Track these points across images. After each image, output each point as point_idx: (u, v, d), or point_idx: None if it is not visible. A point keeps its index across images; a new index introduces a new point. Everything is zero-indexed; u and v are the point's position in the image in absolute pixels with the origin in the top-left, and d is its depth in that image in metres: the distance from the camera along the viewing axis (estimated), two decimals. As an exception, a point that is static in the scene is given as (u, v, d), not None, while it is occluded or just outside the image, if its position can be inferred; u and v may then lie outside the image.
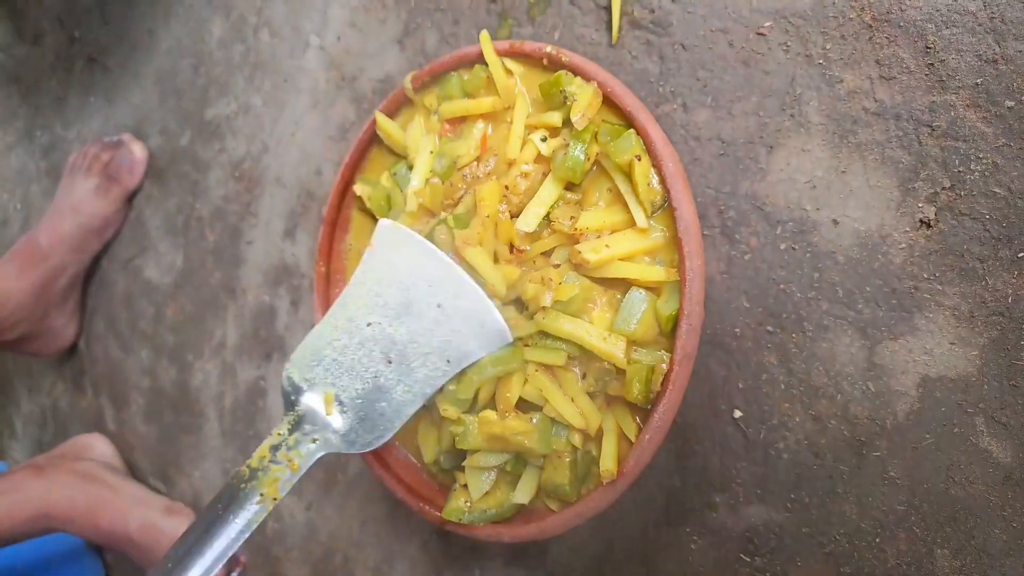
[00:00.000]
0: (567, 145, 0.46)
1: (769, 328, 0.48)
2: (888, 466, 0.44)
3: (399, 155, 0.56)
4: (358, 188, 0.57)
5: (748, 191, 0.49)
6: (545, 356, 0.45)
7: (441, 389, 0.47)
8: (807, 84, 0.47)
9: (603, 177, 0.47)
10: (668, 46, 0.52)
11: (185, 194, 0.83)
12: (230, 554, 0.41)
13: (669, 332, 0.44)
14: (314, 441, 0.44)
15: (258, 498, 0.42)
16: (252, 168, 0.77)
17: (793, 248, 0.47)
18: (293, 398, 0.45)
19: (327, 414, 0.44)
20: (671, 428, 0.50)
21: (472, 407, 0.48)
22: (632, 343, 0.44)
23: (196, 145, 0.82)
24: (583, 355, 0.45)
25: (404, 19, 0.66)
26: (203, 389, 0.80)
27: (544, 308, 0.44)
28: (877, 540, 0.44)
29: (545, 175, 0.47)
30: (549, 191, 0.46)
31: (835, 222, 0.46)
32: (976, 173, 0.42)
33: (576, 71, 0.48)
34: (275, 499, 0.42)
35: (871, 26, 0.45)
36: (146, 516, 0.77)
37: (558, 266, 0.46)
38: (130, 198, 0.88)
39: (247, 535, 0.42)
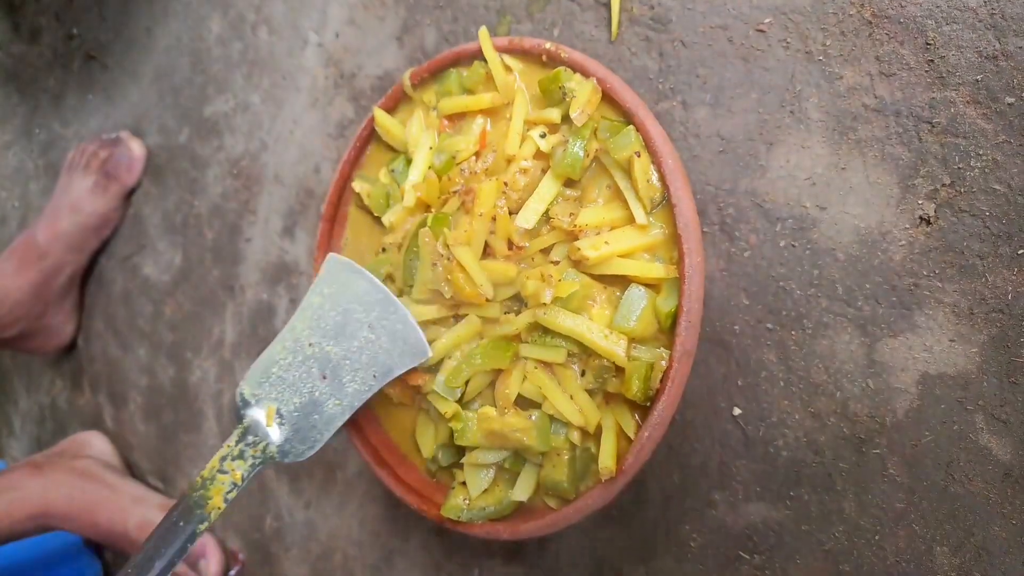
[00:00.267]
0: (566, 141, 0.46)
1: (769, 325, 0.47)
2: (888, 463, 0.44)
3: (398, 151, 0.55)
4: (357, 185, 0.57)
5: (748, 188, 0.48)
6: (544, 353, 0.45)
7: (433, 374, 0.47)
8: (807, 81, 0.47)
9: (602, 174, 0.47)
10: (667, 43, 0.52)
11: (183, 192, 0.83)
12: (178, 561, 0.45)
13: (668, 329, 0.44)
14: (254, 453, 0.47)
15: (205, 507, 0.46)
16: (251, 166, 0.76)
17: (793, 245, 0.47)
18: (241, 412, 0.49)
19: (267, 426, 0.48)
20: (670, 425, 0.50)
21: (464, 400, 0.48)
22: (631, 340, 0.44)
23: (194, 143, 0.82)
24: (582, 352, 0.45)
25: (403, 16, 0.66)
26: (201, 387, 0.80)
27: (544, 304, 0.44)
28: (876, 537, 0.44)
29: (544, 171, 0.47)
30: (548, 188, 0.46)
31: (835, 219, 0.45)
32: (976, 170, 0.41)
33: (575, 67, 0.48)
34: (219, 508, 0.46)
35: (871, 22, 0.44)
36: (144, 514, 0.76)
37: (557, 263, 0.46)
38: (128, 196, 0.88)
39: (192, 544, 0.45)
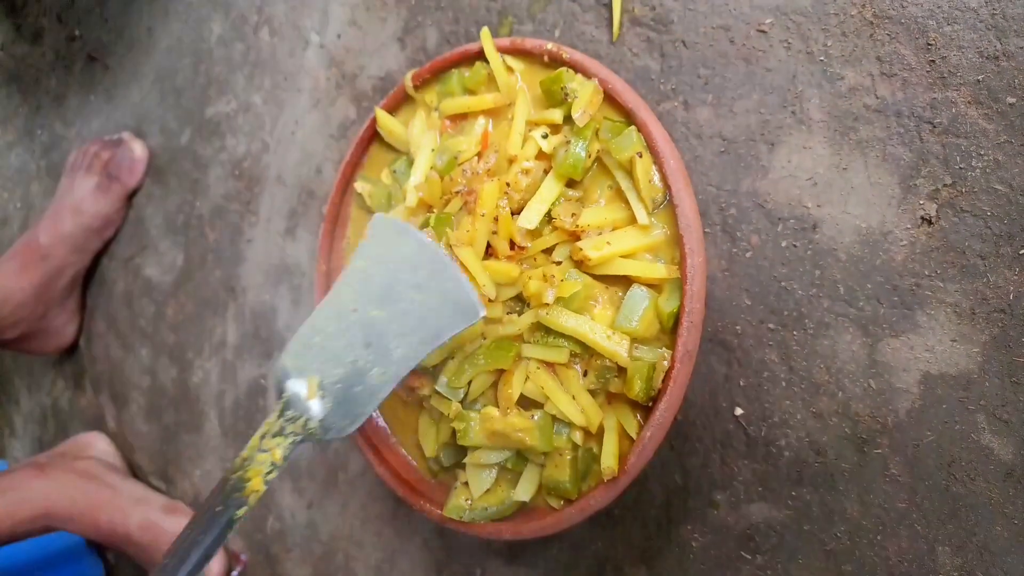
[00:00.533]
0: (568, 142, 0.46)
1: (770, 325, 0.48)
2: (889, 463, 0.44)
3: (400, 152, 0.56)
4: (359, 186, 0.57)
5: (749, 188, 0.49)
6: (547, 354, 0.45)
7: (430, 377, 0.47)
8: (808, 81, 0.47)
9: (604, 174, 0.47)
10: (669, 43, 0.52)
11: (185, 193, 0.83)
12: (216, 550, 0.41)
13: (670, 329, 0.44)
14: (294, 429, 0.44)
15: (243, 490, 0.42)
16: (252, 167, 0.77)
17: (794, 245, 0.47)
18: (282, 385, 0.45)
19: (309, 398, 0.44)
20: (672, 426, 0.50)
21: (466, 400, 0.48)
22: (633, 340, 0.44)
23: (196, 144, 0.82)
24: (584, 352, 0.45)
25: (404, 17, 0.66)
26: (203, 388, 0.80)
27: (546, 305, 0.44)
28: (878, 537, 0.44)
29: (546, 172, 0.47)
30: (550, 188, 0.46)
31: (836, 219, 0.45)
32: (977, 170, 0.42)
33: (577, 68, 0.48)
34: (258, 492, 0.42)
35: (872, 23, 0.45)
36: (146, 515, 0.77)
37: (559, 263, 0.46)
38: (130, 197, 0.88)
39: (230, 531, 0.42)
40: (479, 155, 0.50)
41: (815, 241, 0.46)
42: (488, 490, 0.48)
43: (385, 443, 0.55)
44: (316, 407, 0.44)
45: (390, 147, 0.56)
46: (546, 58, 0.49)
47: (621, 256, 0.44)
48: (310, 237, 0.72)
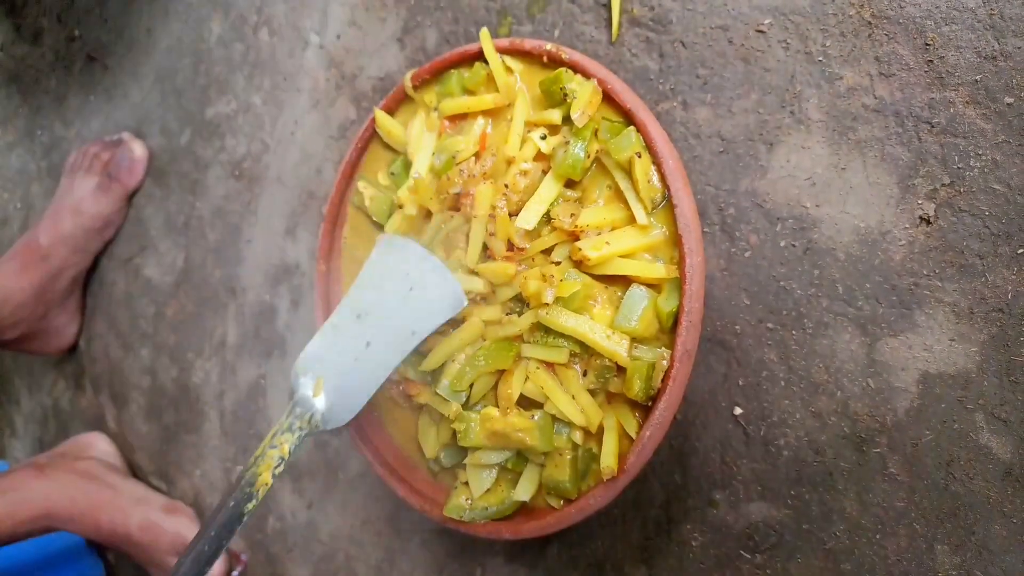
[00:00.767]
0: (567, 143, 0.46)
1: (769, 325, 0.48)
2: (888, 462, 0.44)
3: (399, 152, 0.56)
4: (359, 186, 0.57)
5: (748, 188, 0.49)
6: (546, 354, 0.45)
7: (428, 384, 0.48)
8: (807, 81, 0.47)
9: (603, 174, 0.47)
10: (668, 43, 0.52)
11: (185, 193, 0.83)
12: (227, 542, 0.45)
13: (669, 329, 0.44)
14: (301, 425, 0.48)
15: (254, 484, 0.46)
16: (252, 167, 0.77)
17: (793, 245, 0.47)
18: (294, 387, 0.50)
19: (315, 396, 0.49)
20: (671, 425, 0.50)
21: (468, 402, 0.48)
22: (633, 340, 0.44)
23: (196, 144, 0.82)
24: (584, 352, 0.45)
25: (404, 17, 0.66)
26: (204, 388, 0.80)
27: (546, 305, 0.44)
28: (877, 536, 0.44)
29: (545, 173, 0.47)
30: (549, 189, 0.47)
31: (835, 219, 0.46)
32: (975, 170, 0.42)
33: (576, 69, 0.48)
34: (267, 485, 0.46)
35: (870, 23, 0.45)
36: (147, 515, 0.77)
37: (559, 263, 0.46)
38: (130, 197, 0.88)
39: (240, 525, 0.45)
40: (477, 156, 0.50)
41: (814, 241, 0.46)
42: (488, 490, 0.48)
43: (385, 443, 0.55)
44: (321, 403, 0.49)
45: (390, 147, 0.56)
46: (545, 58, 0.49)
47: (620, 256, 0.45)
48: (310, 237, 0.72)
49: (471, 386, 0.47)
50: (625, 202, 0.45)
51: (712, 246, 0.50)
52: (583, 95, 0.46)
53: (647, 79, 0.53)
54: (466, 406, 0.48)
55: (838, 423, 0.45)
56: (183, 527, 0.76)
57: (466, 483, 0.49)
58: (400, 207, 0.53)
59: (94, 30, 0.94)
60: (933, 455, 0.42)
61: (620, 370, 0.44)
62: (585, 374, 0.45)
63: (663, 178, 0.44)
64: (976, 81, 0.41)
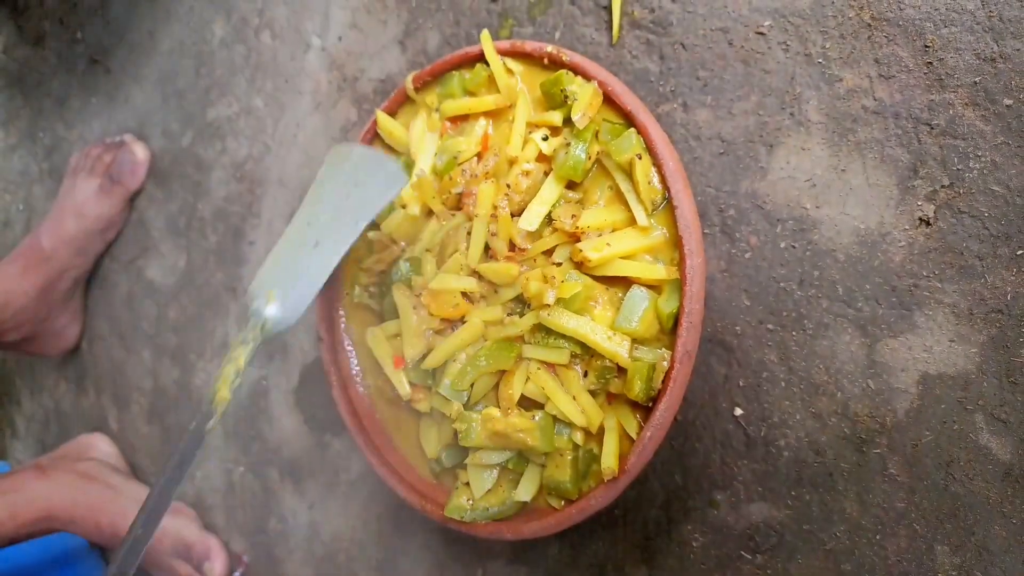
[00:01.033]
0: (568, 144, 0.47)
1: (769, 326, 0.48)
2: (888, 463, 0.44)
3: (400, 154, 0.56)
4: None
5: (748, 190, 0.49)
6: (547, 355, 0.45)
7: (429, 391, 0.48)
8: (807, 83, 0.47)
9: (604, 176, 0.47)
10: (668, 45, 0.52)
11: (187, 195, 0.83)
12: (190, 463, 0.46)
13: (670, 330, 0.44)
14: (254, 335, 0.49)
15: (212, 402, 0.47)
16: (254, 169, 0.77)
17: (793, 246, 0.47)
18: (248, 309, 0.50)
19: (268, 304, 0.49)
20: (672, 426, 0.50)
21: (469, 403, 0.48)
22: (633, 341, 0.44)
23: (198, 146, 0.82)
24: (584, 353, 0.45)
25: (405, 19, 0.66)
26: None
27: (547, 306, 0.44)
28: (878, 537, 0.44)
29: (546, 174, 0.48)
30: (551, 190, 0.47)
31: (835, 220, 0.46)
32: (975, 171, 0.42)
33: (577, 70, 0.48)
34: (226, 400, 0.47)
35: (870, 25, 0.45)
36: (148, 516, 0.77)
37: (560, 264, 0.46)
38: (132, 199, 0.88)
39: (200, 445, 0.46)
40: (479, 156, 0.50)
41: (814, 242, 0.46)
42: (489, 490, 0.48)
43: (387, 444, 0.55)
44: (272, 310, 0.49)
45: (391, 149, 0.57)
46: (546, 60, 0.49)
47: (621, 257, 0.45)
48: (311, 239, 0.72)
49: (472, 386, 0.47)
50: (626, 203, 0.45)
51: (712, 247, 0.50)
52: (584, 97, 0.46)
53: (648, 81, 0.53)
54: (467, 406, 0.48)
55: (838, 424, 0.45)
56: (184, 528, 0.77)
57: (467, 483, 0.49)
58: (403, 206, 0.53)
59: (96, 33, 0.95)
60: (933, 456, 0.43)
61: (621, 371, 0.44)
62: (586, 375, 0.45)
63: (663, 180, 0.44)
64: (975, 83, 0.42)
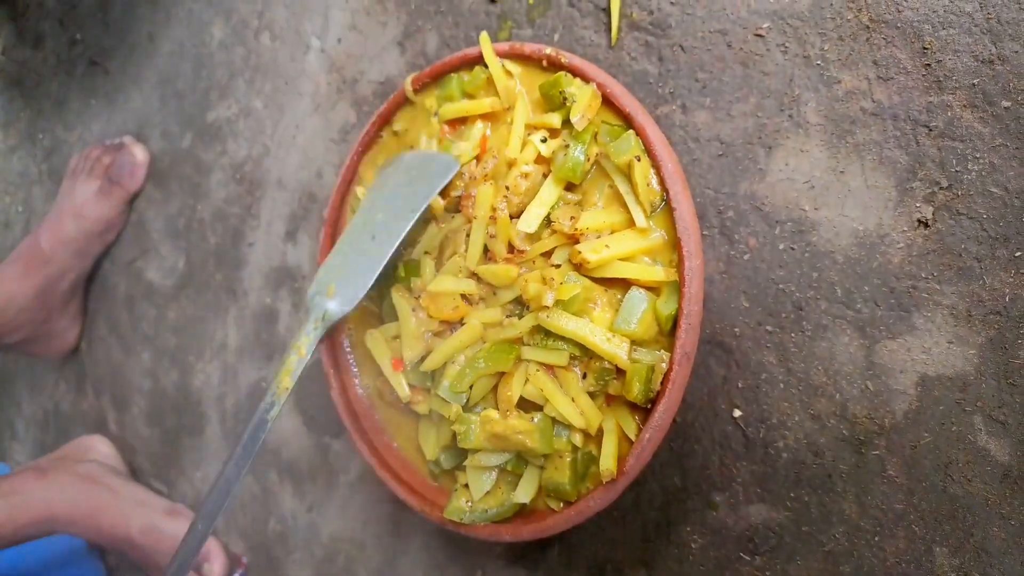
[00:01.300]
0: (567, 146, 0.47)
1: (768, 327, 0.48)
2: (887, 465, 0.44)
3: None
4: (359, 191, 0.57)
5: (747, 191, 0.49)
6: (546, 356, 0.45)
7: (428, 393, 0.48)
8: (805, 85, 0.47)
9: (603, 178, 0.47)
10: (667, 47, 0.52)
11: (186, 196, 0.83)
12: (254, 449, 0.48)
13: (669, 331, 0.44)
14: (315, 326, 0.51)
15: (276, 393, 0.49)
16: (253, 171, 0.77)
17: (792, 248, 0.47)
18: (309, 307, 0.52)
19: (329, 297, 0.51)
20: (671, 427, 0.50)
21: (468, 404, 0.48)
22: (632, 343, 0.44)
23: (197, 148, 0.82)
24: (583, 355, 0.45)
25: (404, 22, 0.66)
26: (204, 391, 0.80)
27: (546, 307, 0.44)
28: (876, 538, 0.44)
29: (545, 176, 0.48)
30: (549, 192, 0.47)
31: (833, 222, 0.46)
32: (973, 173, 0.42)
33: (575, 72, 0.48)
34: (287, 389, 0.49)
35: (868, 27, 0.45)
36: (147, 518, 0.77)
37: (558, 266, 0.46)
38: (131, 201, 0.89)
39: (268, 427, 0.48)
40: (477, 159, 0.50)
41: (812, 243, 0.46)
42: (488, 492, 0.48)
43: (386, 446, 0.55)
44: (332, 302, 0.51)
45: (391, 151, 0.57)
46: (545, 62, 0.50)
47: (620, 259, 0.45)
48: (311, 241, 0.72)
49: (471, 388, 0.47)
50: (625, 205, 0.45)
51: (711, 249, 0.50)
52: (582, 99, 0.46)
53: (646, 83, 0.53)
54: (466, 408, 0.48)
55: (837, 425, 0.45)
56: (184, 530, 0.77)
57: (466, 485, 0.49)
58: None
59: (96, 34, 0.95)
60: (931, 457, 0.43)
61: (620, 372, 0.44)
62: (585, 377, 0.45)
63: (662, 181, 0.44)
64: (973, 85, 0.42)
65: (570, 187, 0.48)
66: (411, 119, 0.56)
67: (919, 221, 0.43)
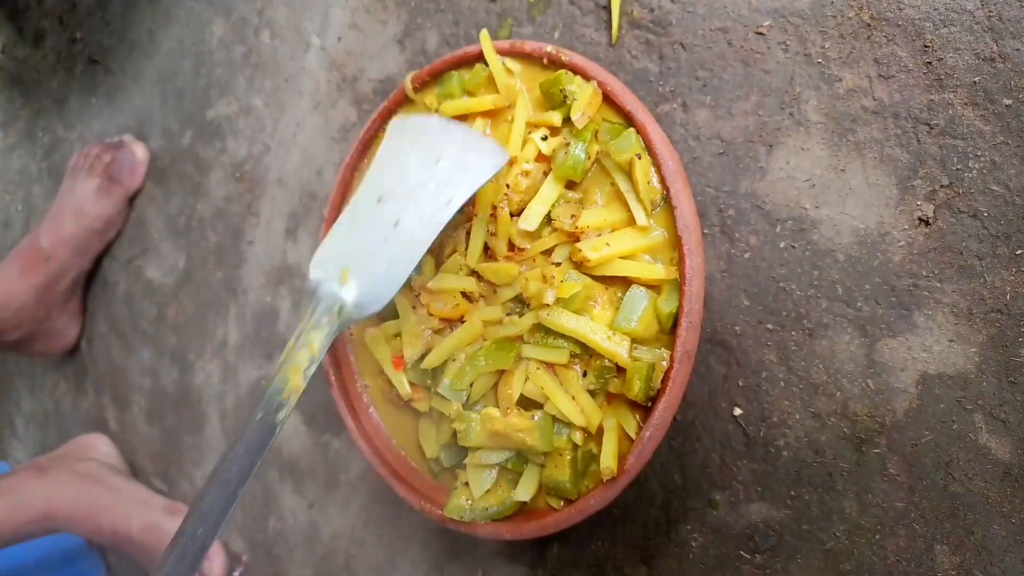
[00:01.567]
0: (568, 144, 0.47)
1: (769, 326, 0.48)
2: (888, 463, 0.44)
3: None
4: (359, 188, 0.57)
5: (748, 190, 0.49)
6: (547, 354, 0.45)
7: (428, 391, 0.48)
8: (806, 83, 0.47)
9: (603, 176, 0.47)
10: (667, 45, 0.52)
11: (186, 195, 0.83)
12: (260, 460, 0.41)
13: (669, 330, 0.44)
14: (330, 318, 0.44)
15: (283, 392, 0.42)
16: (253, 169, 0.77)
17: (792, 246, 0.47)
18: (313, 287, 0.46)
19: (342, 285, 0.45)
20: (671, 426, 0.50)
21: (468, 402, 0.48)
22: (633, 341, 0.44)
23: (197, 146, 0.82)
24: (584, 353, 0.45)
25: (404, 20, 0.66)
26: (205, 389, 0.80)
27: (546, 306, 0.44)
28: (877, 537, 0.44)
29: (545, 174, 0.48)
30: (550, 190, 0.47)
31: (834, 220, 0.46)
32: (974, 171, 0.42)
33: (576, 70, 0.48)
34: (299, 389, 0.42)
35: (869, 25, 0.45)
36: (148, 516, 0.77)
37: (559, 264, 0.46)
38: (131, 199, 0.89)
39: (272, 439, 0.41)
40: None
41: (813, 242, 0.46)
42: (488, 490, 0.48)
43: (386, 444, 0.55)
44: (350, 292, 0.45)
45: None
46: (545, 60, 0.49)
47: (620, 257, 0.45)
48: (311, 239, 0.72)
49: (471, 386, 0.47)
50: (625, 203, 0.45)
51: (712, 247, 0.50)
52: (583, 97, 0.46)
53: (647, 81, 0.53)
54: (466, 406, 0.48)
55: (838, 424, 0.45)
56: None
57: (466, 483, 0.49)
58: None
59: (95, 32, 0.95)
60: (932, 456, 0.43)
61: (620, 371, 0.44)
62: (585, 375, 0.45)
63: (663, 180, 0.44)
64: (975, 83, 0.42)
65: (571, 185, 0.48)
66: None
67: (920, 219, 0.43)
